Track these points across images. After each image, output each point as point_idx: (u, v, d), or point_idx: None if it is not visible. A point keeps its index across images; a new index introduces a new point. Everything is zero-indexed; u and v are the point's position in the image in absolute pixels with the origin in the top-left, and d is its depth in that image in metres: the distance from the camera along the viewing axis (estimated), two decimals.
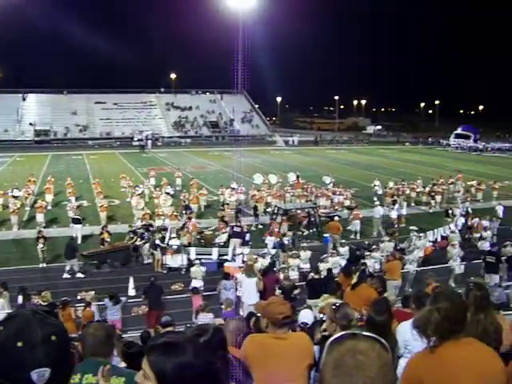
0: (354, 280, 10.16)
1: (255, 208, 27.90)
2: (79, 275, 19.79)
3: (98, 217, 27.23)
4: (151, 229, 22.79)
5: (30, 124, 72.68)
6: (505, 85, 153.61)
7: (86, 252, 21.21)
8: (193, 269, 17.96)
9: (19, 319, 1.66)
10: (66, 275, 19.63)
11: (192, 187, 31.21)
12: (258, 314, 5.29)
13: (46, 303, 13.10)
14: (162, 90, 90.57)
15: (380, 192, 32.83)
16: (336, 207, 29.69)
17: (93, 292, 15.69)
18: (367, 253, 19.62)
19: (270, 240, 21.82)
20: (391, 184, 33.17)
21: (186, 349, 1.75)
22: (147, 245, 21.37)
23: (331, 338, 1.73)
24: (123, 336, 11.12)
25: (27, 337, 1.60)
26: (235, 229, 22.34)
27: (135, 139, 70.05)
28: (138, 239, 21.91)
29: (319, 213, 26.68)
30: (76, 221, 24.30)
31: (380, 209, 26.33)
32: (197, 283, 16.82)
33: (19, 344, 1.59)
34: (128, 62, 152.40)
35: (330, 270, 16.62)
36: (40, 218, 26.01)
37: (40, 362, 1.58)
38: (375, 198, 29.31)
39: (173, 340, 1.80)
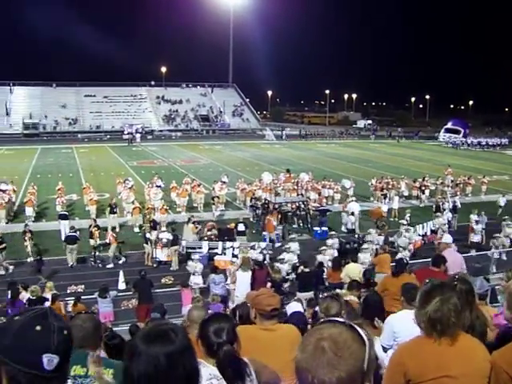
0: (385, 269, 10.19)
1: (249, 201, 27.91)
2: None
3: (88, 210, 27.05)
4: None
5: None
6: (494, 80, 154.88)
7: None
8: (190, 263, 17.57)
9: (37, 310, 1.77)
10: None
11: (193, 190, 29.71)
12: (248, 304, 5.29)
13: (35, 297, 12.99)
14: (153, 83, 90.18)
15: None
16: (325, 201, 29.76)
17: (51, 282, 15.23)
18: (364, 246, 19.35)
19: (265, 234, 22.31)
20: (374, 179, 32.88)
21: (171, 337, 1.86)
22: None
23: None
24: (113, 329, 11.07)
25: (45, 323, 1.70)
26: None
27: (125, 132, 69.81)
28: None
29: (309, 206, 26.64)
30: (63, 216, 24.03)
31: (355, 204, 25.85)
32: (196, 279, 16.37)
33: (38, 328, 1.68)
34: (118, 55, 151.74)
35: (320, 264, 16.61)
36: (29, 212, 25.83)
37: (52, 349, 1.67)
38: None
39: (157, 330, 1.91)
